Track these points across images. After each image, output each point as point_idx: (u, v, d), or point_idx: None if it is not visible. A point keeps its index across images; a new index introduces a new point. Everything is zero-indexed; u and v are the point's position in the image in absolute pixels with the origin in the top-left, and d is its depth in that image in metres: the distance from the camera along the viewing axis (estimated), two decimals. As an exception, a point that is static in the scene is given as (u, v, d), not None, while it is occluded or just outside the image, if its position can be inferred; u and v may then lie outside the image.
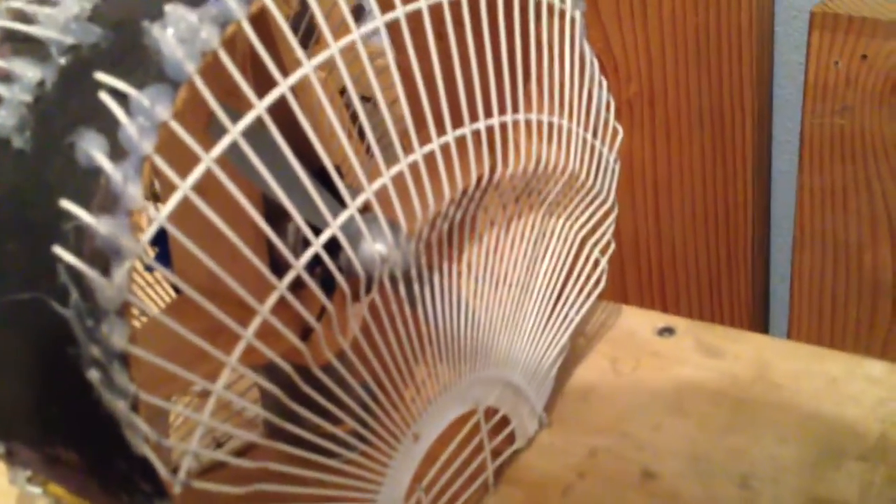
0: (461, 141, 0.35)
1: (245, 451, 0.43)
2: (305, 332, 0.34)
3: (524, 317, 0.44)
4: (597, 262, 0.48)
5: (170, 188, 0.27)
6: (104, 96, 0.25)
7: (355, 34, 0.30)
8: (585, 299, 0.47)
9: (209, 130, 0.27)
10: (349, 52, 0.30)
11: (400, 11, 0.32)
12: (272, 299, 0.29)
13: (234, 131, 0.27)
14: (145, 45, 0.26)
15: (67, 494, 0.34)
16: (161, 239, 0.38)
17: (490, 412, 0.45)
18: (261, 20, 0.30)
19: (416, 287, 0.37)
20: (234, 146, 0.27)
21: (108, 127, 0.25)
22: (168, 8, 0.26)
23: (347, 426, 0.35)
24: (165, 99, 0.25)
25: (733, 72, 0.87)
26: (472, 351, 0.41)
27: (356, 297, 0.34)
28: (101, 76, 0.26)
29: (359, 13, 0.32)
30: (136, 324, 0.36)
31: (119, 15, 0.27)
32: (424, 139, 0.34)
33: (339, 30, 0.30)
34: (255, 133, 0.28)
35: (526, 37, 0.39)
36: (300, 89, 0.32)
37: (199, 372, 0.29)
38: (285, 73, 0.28)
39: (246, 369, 0.30)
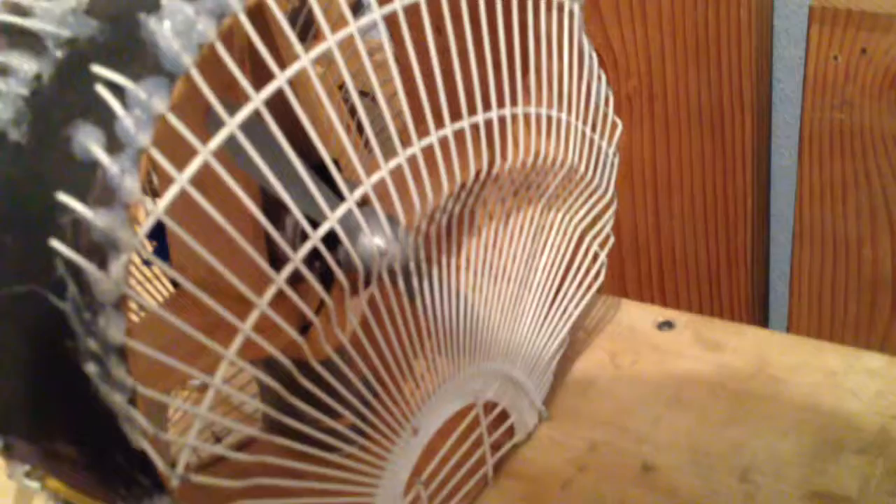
0: (460, 134, 0.35)
1: (244, 445, 0.43)
2: (304, 327, 0.34)
3: (523, 310, 0.44)
4: (596, 256, 0.48)
5: (167, 182, 0.27)
6: (101, 89, 0.25)
7: (353, 27, 0.30)
8: (584, 293, 0.47)
9: (207, 123, 0.27)
10: (347, 47, 0.30)
11: (398, 5, 0.31)
12: (270, 293, 0.29)
13: (232, 124, 0.27)
14: (142, 37, 0.26)
15: (66, 489, 0.33)
16: (159, 233, 0.38)
17: (489, 406, 0.45)
18: (258, 14, 0.30)
19: (414, 281, 0.36)
20: (232, 139, 0.27)
21: (105, 120, 0.25)
22: (165, 0, 0.26)
23: (346, 420, 0.35)
24: (162, 91, 0.25)
25: (732, 67, 0.87)
26: (471, 345, 0.41)
27: (355, 290, 0.34)
28: (97, 69, 0.26)
29: (357, 8, 0.32)
30: (135, 318, 0.36)
31: (116, 8, 0.27)
32: (423, 133, 0.34)
33: (337, 24, 0.30)
34: (254, 126, 0.28)
35: (524, 30, 0.39)
36: (299, 84, 0.32)
37: (198, 366, 0.29)
38: (283, 67, 0.28)
39: (244, 363, 0.30)
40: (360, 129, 0.43)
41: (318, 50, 0.29)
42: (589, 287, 0.47)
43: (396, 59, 0.34)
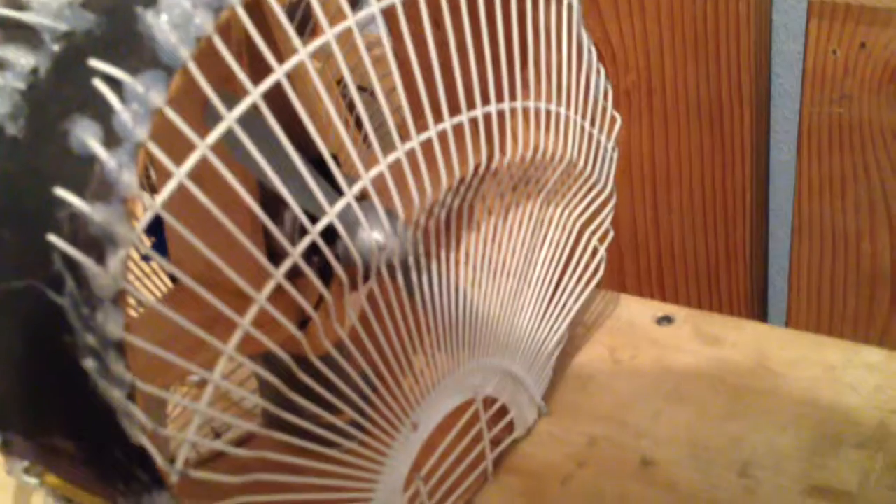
0: (458, 129, 0.35)
1: (243, 440, 0.43)
2: (303, 322, 0.33)
3: (523, 305, 0.44)
4: (595, 251, 0.47)
5: (165, 176, 0.27)
6: (98, 83, 0.25)
7: (351, 20, 0.30)
8: (584, 288, 0.47)
9: (205, 117, 0.27)
10: (345, 42, 0.30)
11: (396, -2, 0.31)
12: (269, 288, 0.29)
13: (230, 118, 0.27)
14: (139, 31, 0.26)
15: (64, 484, 0.33)
16: (157, 228, 0.38)
17: (489, 401, 0.44)
18: (256, 7, 0.30)
19: (413, 275, 0.36)
20: (230, 133, 0.27)
21: (103, 114, 0.25)
22: (162, -6, 0.26)
23: (346, 416, 0.35)
24: (160, 85, 0.25)
25: (731, 61, 0.87)
26: (471, 340, 0.41)
27: (354, 285, 0.33)
28: (94, 63, 0.25)
29: (355, 2, 0.31)
30: (133, 314, 0.36)
31: (112, 1, 0.27)
32: (422, 127, 0.34)
33: (335, 18, 0.30)
34: (252, 120, 0.27)
35: (523, 24, 0.39)
36: (297, 78, 0.31)
37: (197, 361, 0.29)
38: (281, 61, 0.28)
39: (243, 358, 0.30)
40: (358, 124, 0.43)
41: (316, 43, 0.29)
42: (588, 282, 0.47)
43: (395, 54, 0.33)
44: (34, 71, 0.27)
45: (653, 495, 0.43)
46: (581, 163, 0.44)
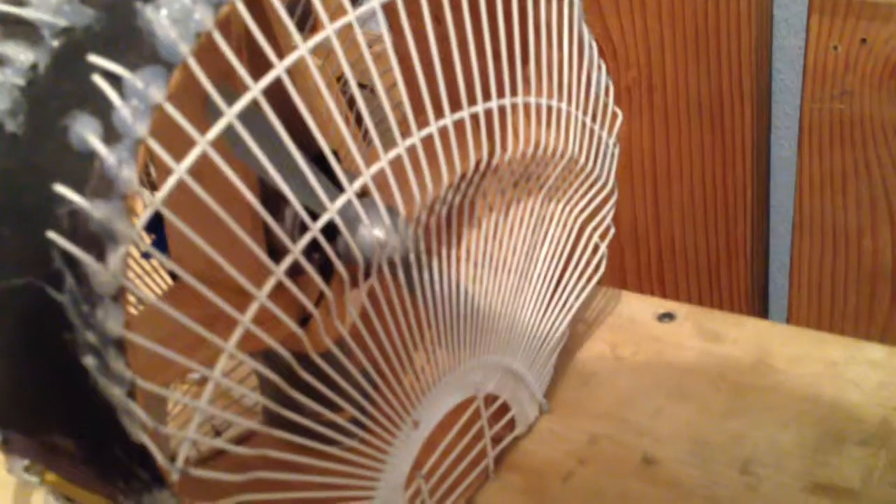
0: (459, 125, 0.35)
1: (243, 438, 0.43)
2: (304, 319, 0.33)
3: (524, 302, 0.44)
4: (596, 248, 0.47)
5: (165, 172, 0.26)
6: (97, 79, 0.25)
7: (351, 16, 0.30)
8: (585, 285, 0.47)
9: (206, 113, 0.27)
10: (345, 38, 0.30)
11: (397, -7, 0.31)
12: (270, 285, 0.29)
13: (230, 114, 0.27)
14: (139, 26, 0.25)
15: (64, 483, 0.33)
16: (157, 226, 0.38)
17: (490, 399, 0.44)
18: (256, 3, 0.29)
19: (414, 272, 0.36)
20: (231, 129, 0.27)
21: (102, 110, 0.25)
22: (161, -11, 0.26)
23: (347, 413, 0.35)
24: (160, 81, 0.25)
25: (732, 57, 0.87)
26: (472, 337, 0.41)
27: (355, 282, 0.33)
28: (94, 59, 0.25)
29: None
30: (134, 311, 0.36)
31: (112, -3, 0.27)
32: (422, 123, 0.34)
33: (336, 13, 0.30)
34: (252, 116, 0.27)
35: (524, 19, 0.38)
36: (297, 73, 0.31)
37: (197, 359, 0.29)
38: (280, 56, 0.28)
39: (244, 356, 0.29)
40: (358, 120, 0.43)
41: (316, 39, 0.29)
42: (589, 279, 0.47)
43: (395, 49, 0.33)
44: (33, 67, 0.26)
45: (654, 493, 0.43)
46: (582, 159, 0.44)
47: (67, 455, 0.29)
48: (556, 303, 0.46)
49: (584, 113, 0.43)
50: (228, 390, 0.36)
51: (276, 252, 0.31)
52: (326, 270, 0.32)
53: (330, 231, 0.31)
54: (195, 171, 0.26)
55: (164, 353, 0.27)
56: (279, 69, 0.28)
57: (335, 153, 0.32)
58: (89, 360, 0.25)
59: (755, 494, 0.42)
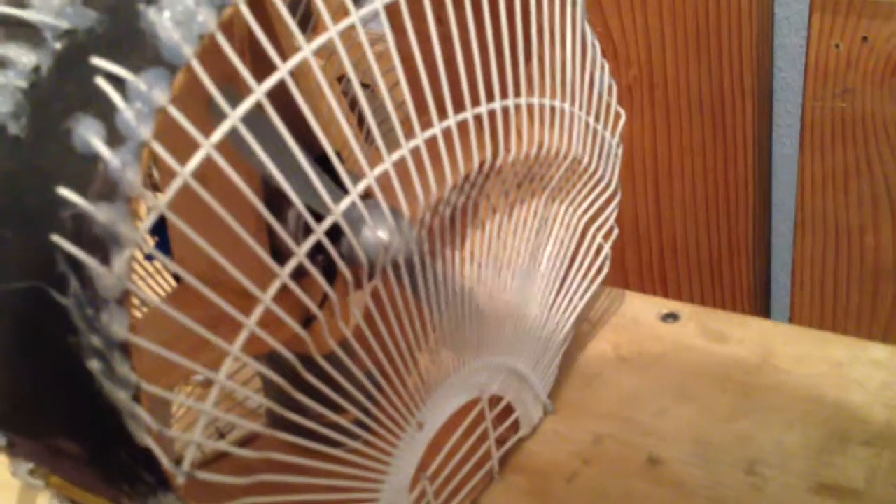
0: (463, 126, 0.35)
1: (247, 441, 0.43)
2: (307, 321, 0.33)
3: (527, 303, 0.44)
4: (600, 248, 0.47)
5: (169, 175, 0.26)
6: (101, 81, 0.25)
7: (354, 17, 0.30)
8: (589, 285, 0.47)
9: (211, 114, 0.27)
10: (348, 39, 0.30)
11: (400, -7, 0.31)
12: (274, 287, 0.29)
13: (234, 116, 0.26)
14: (142, 28, 0.25)
15: (69, 486, 0.33)
16: (160, 228, 0.38)
17: (494, 400, 0.44)
18: (258, 4, 0.29)
19: (418, 274, 0.36)
20: (235, 131, 0.27)
21: (106, 112, 0.25)
22: (164, -9, 0.26)
23: (351, 415, 0.35)
24: (163, 83, 0.25)
25: (733, 55, 0.86)
26: (476, 338, 0.41)
27: (358, 284, 0.33)
28: (97, 61, 0.25)
29: (357, -2, 0.31)
30: (137, 314, 0.36)
31: (115, -2, 0.26)
32: (426, 124, 0.33)
33: (337, 13, 0.30)
34: (256, 118, 0.27)
35: (527, 19, 0.38)
36: (300, 75, 0.31)
37: (201, 361, 0.29)
38: (284, 58, 0.28)
39: (248, 358, 0.29)
40: (360, 121, 0.43)
41: (320, 40, 0.29)
42: (593, 279, 0.47)
43: (398, 50, 0.33)
44: (36, 69, 0.26)
45: (659, 493, 0.43)
46: (585, 159, 0.44)
47: (72, 458, 0.29)
48: (560, 303, 0.46)
49: (588, 113, 0.43)
50: (232, 392, 0.36)
51: (279, 254, 0.30)
52: (330, 272, 0.32)
53: (333, 233, 0.31)
54: (198, 174, 0.26)
55: (170, 357, 0.27)
56: (283, 71, 0.27)
57: (338, 154, 0.31)
58: (94, 364, 0.25)
59: (760, 495, 0.42)
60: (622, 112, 0.45)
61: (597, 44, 0.43)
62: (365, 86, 0.32)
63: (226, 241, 0.28)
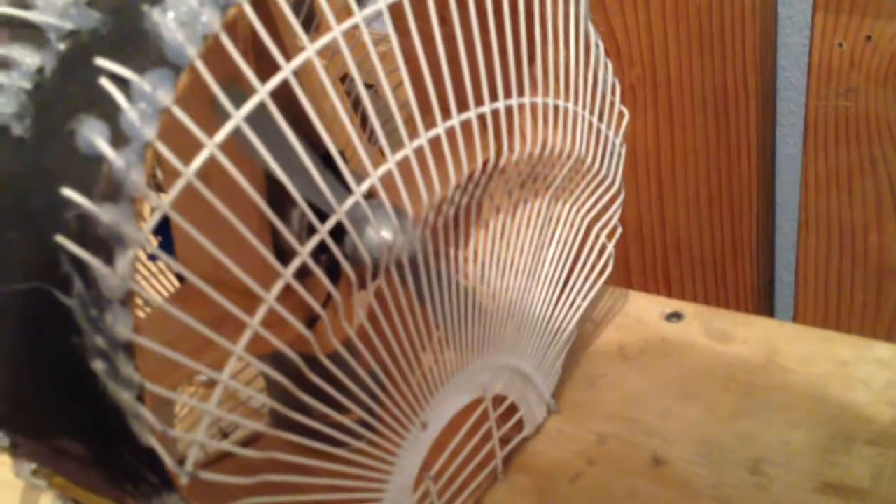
0: (466, 125, 0.35)
1: (251, 441, 0.42)
2: (311, 320, 0.33)
3: (531, 303, 0.44)
4: (603, 248, 0.47)
5: (172, 175, 0.26)
6: (105, 82, 0.25)
7: (358, 17, 0.30)
8: (592, 285, 0.47)
9: (214, 114, 0.27)
10: (351, 39, 0.30)
11: (404, -7, 0.31)
12: (278, 287, 0.29)
13: (238, 116, 0.26)
14: (146, 29, 0.25)
15: (72, 486, 0.33)
16: (164, 228, 0.38)
17: (498, 400, 0.44)
18: (262, 4, 0.29)
19: (422, 273, 0.36)
20: (238, 131, 0.27)
21: (110, 113, 0.25)
22: (168, -9, 0.26)
23: (355, 415, 0.35)
24: (167, 84, 0.25)
25: (736, 54, 0.86)
26: (479, 338, 0.41)
27: (362, 284, 0.33)
28: (101, 62, 0.25)
29: (361, -1, 0.31)
30: (141, 314, 0.36)
31: (118, -1, 0.26)
32: (429, 124, 0.33)
33: (341, 13, 0.30)
34: (260, 118, 0.27)
35: (530, 19, 0.38)
36: (303, 76, 0.31)
37: (205, 361, 0.29)
38: (287, 58, 0.28)
39: (252, 358, 0.29)
40: (363, 121, 0.43)
41: (323, 40, 0.29)
42: (597, 279, 0.47)
43: (401, 50, 0.33)
44: (40, 70, 0.26)
45: (663, 493, 0.43)
46: (589, 159, 0.44)
47: (76, 459, 0.29)
48: (564, 303, 0.46)
49: (591, 112, 0.43)
50: (235, 392, 0.36)
51: (283, 253, 0.30)
52: (334, 272, 0.32)
53: (337, 232, 0.31)
54: (202, 173, 0.26)
55: (173, 357, 0.27)
56: (286, 71, 0.27)
57: (342, 154, 0.31)
58: (98, 365, 0.25)
59: (765, 494, 0.42)
60: (625, 111, 0.45)
61: (600, 43, 0.43)
62: (368, 86, 0.32)
63: (229, 240, 0.28)
